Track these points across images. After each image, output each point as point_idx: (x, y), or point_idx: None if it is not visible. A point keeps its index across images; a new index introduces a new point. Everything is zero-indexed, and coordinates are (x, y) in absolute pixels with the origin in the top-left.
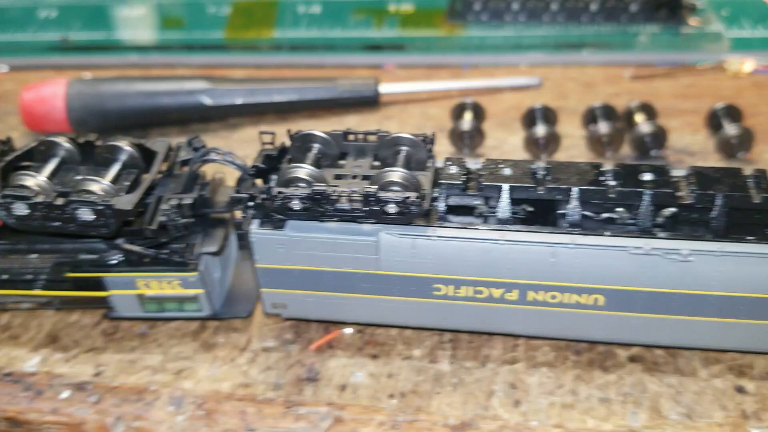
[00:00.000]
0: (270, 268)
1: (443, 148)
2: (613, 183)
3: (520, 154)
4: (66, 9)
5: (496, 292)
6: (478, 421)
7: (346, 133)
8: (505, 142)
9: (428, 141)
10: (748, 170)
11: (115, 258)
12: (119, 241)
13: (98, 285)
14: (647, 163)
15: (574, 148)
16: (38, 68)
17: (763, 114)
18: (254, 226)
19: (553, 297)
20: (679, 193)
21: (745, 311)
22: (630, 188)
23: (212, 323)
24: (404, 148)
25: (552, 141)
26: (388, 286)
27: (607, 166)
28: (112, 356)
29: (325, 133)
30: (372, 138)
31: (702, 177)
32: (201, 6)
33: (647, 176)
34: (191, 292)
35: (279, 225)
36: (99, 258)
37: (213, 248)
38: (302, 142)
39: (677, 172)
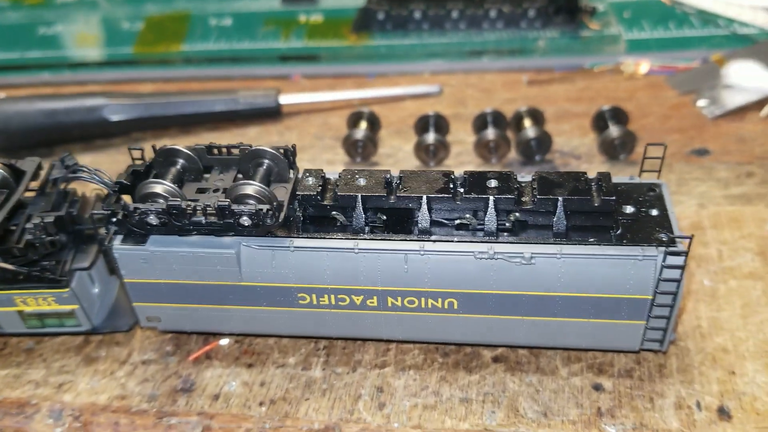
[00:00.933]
0: (138, 283)
1: (339, 157)
2: (461, 190)
3: (413, 161)
4: None
5: (357, 299)
6: (341, 424)
7: (209, 147)
8: (401, 150)
9: (289, 153)
10: (591, 174)
11: None
12: None
13: None
14: (494, 170)
15: (464, 154)
16: None
17: (653, 114)
18: (117, 242)
19: (411, 302)
20: (522, 198)
21: (593, 311)
22: (476, 195)
23: (96, 337)
24: (265, 161)
25: (440, 148)
26: (255, 297)
27: (458, 173)
28: None
29: (189, 148)
30: (235, 151)
31: (544, 182)
32: (116, 22)
33: (493, 183)
34: (67, 307)
35: (141, 240)
36: None
37: (84, 264)
38: (165, 157)
39: (523, 178)
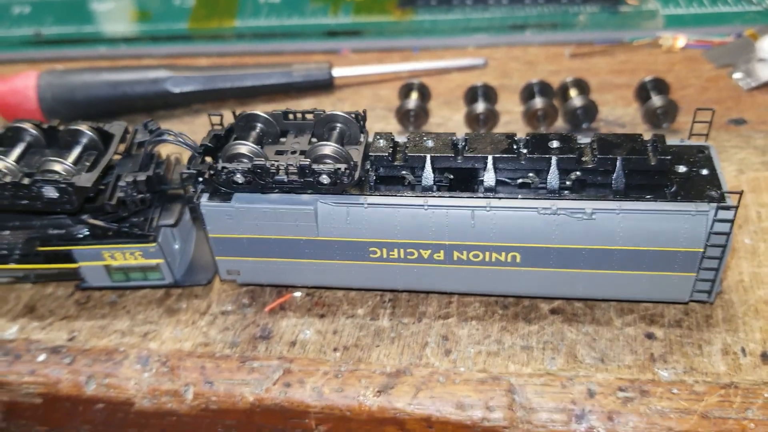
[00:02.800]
0: (221, 238)
1: (392, 127)
2: (524, 151)
3: (463, 130)
4: (39, 4)
5: (425, 253)
6: (411, 368)
7: (285, 113)
8: (450, 120)
9: (360, 118)
10: (647, 136)
11: (82, 232)
12: (84, 217)
13: (68, 257)
14: (555, 133)
15: (513, 123)
16: (13, 62)
17: (692, 86)
18: (204, 200)
19: (476, 256)
20: (583, 158)
21: (648, 264)
22: (538, 155)
23: (176, 291)
24: (338, 125)
25: (490, 117)
26: (329, 251)
27: (521, 135)
28: (85, 323)
29: (267, 113)
30: (309, 117)
31: (604, 143)
32: None
33: (554, 144)
34: (152, 261)
35: (226, 198)
36: (66, 232)
37: (170, 221)
38: (246, 122)
39: (583, 140)
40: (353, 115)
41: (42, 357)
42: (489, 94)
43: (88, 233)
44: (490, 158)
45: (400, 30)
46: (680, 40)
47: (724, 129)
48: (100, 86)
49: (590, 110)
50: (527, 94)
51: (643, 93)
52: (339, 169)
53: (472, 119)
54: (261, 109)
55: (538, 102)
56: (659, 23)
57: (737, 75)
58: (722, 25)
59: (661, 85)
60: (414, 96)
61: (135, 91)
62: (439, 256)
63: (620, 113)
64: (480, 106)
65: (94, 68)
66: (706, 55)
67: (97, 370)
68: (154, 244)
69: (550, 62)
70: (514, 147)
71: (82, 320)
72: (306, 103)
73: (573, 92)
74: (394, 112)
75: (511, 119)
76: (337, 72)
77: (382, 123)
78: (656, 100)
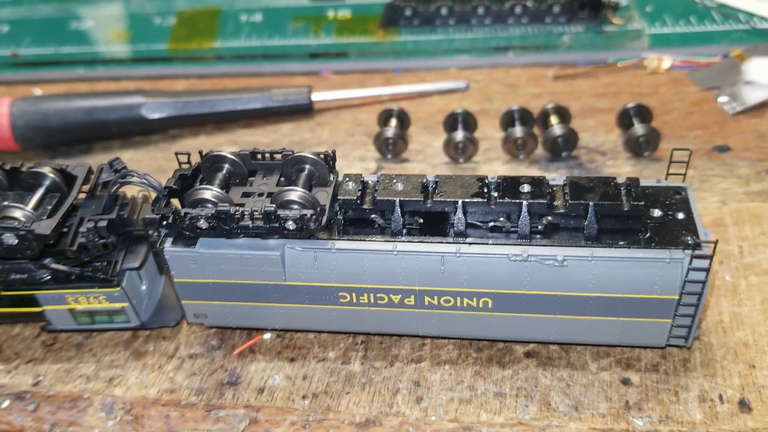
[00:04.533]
0: (187, 282)
1: (371, 154)
2: (495, 194)
3: (442, 157)
4: (17, 24)
5: (395, 298)
6: (381, 417)
7: (253, 153)
8: (430, 146)
9: (329, 159)
10: (620, 179)
11: (45, 276)
12: (47, 261)
13: (32, 301)
14: (527, 176)
15: (492, 150)
16: None
17: (676, 110)
18: (167, 244)
19: (447, 301)
20: (554, 203)
21: (623, 310)
22: (509, 200)
23: (144, 332)
24: (307, 166)
25: (469, 145)
26: (297, 295)
27: (491, 178)
28: (51, 366)
29: (234, 153)
30: (278, 157)
31: (576, 187)
32: (147, 18)
33: (526, 188)
34: (117, 305)
35: (191, 242)
36: (29, 277)
37: (135, 264)
38: (212, 162)
39: (555, 182)
40: (322, 156)
41: (6, 403)
42: (468, 121)
43: (50, 277)
44: (459, 202)
45: (383, 51)
46: (666, 61)
47: (707, 156)
48: (74, 113)
49: (570, 139)
50: (507, 120)
51: (625, 120)
52: (305, 215)
53: (450, 147)
54: (240, 134)
55: (518, 131)
56: (645, 43)
57: (722, 99)
58: (709, 45)
59: (643, 112)
60: (393, 123)
61: (110, 118)
62: (410, 301)
63: (602, 140)
64: (459, 135)
65: (68, 94)
66: (692, 76)
67: (61, 417)
68: (117, 289)
69: (532, 84)
70: (485, 191)
71: (48, 363)
72: (285, 128)
73: (554, 119)
74: (373, 139)
75: (492, 146)
76: (317, 96)
77: (362, 149)
78: (638, 129)
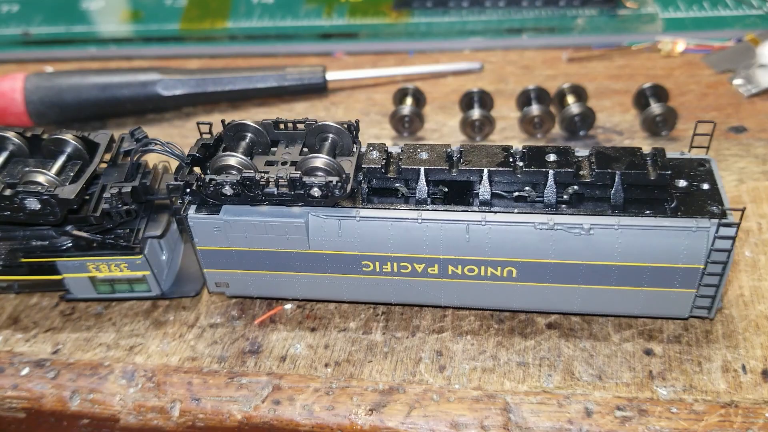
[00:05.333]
0: (210, 250)
1: (386, 132)
2: (520, 164)
3: (459, 136)
4: (27, 3)
5: (419, 267)
6: (405, 385)
7: (276, 122)
8: (445, 125)
9: (353, 128)
10: (646, 149)
11: (66, 243)
12: (68, 228)
13: (52, 269)
14: (552, 145)
15: (509, 129)
16: (0, 62)
17: (690, 92)
18: (191, 212)
19: (471, 270)
20: (581, 172)
21: (647, 280)
22: (535, 168)
23: (163, 302)
24: (330, 135)
25: (486, 123)
26: (320, 264)
27: (517, 147)
28: (70, 335)
29: (257, 123)
30: (300, 126)
31: (602, 156)
32: None
33: (552, 157)
34: (138, 273)
35: (214, 210)
36: (50, 244)
37: (156, 232)
38: (235, 131)
39: (581, 153)
40: (345, 126)
41: (26, 371)
42: (485, 100)
43: (72, 245)
44: (485, 171)
45: (396, 32)
46: (679, 44)
47: (723, 137)
48: (88, 89)
49: (587, 118)
50: (524, 100)
51: (641, 100)
52: (330, 182)
53: (467, 125)
54: (254, 113)
55: (535, 109)
56: (658, 27)
57: (737, 81)
58: (722, 29)
59: (660, 92)
60: (408, 101)
61: (124, 94)
62: (434, 270)
63: (618, 120)
64: (476, 113)
65: (83, 70)
66: (706, 60)
67: (82, 385)
68: (139, 256)
69: (547, 66)
70: (510, 160)
71: (66, 332)
72: (299, 107)
73: (570, 99)
74: (389, 118)
75: (507, 125)
76: (331, 76)
77: (377, 128)
78: (655, 108)
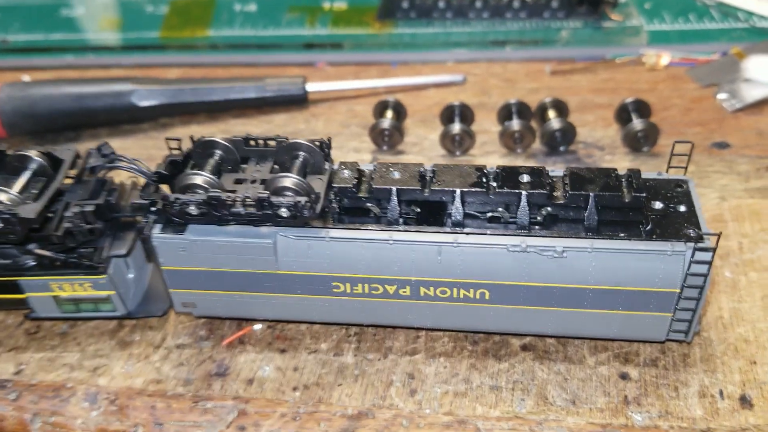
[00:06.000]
0: (175, 270)
1: (366, 145)
2: (494, 184)
3: (439, 150)
4: (6, 10)
5: (390, 289)
6: (374, 410)
7: (246, 139)
8: (426, 139)
9: (325, 146)
10: (622, 171)
11: (29, 262)
12: (31, 246)
13: (15, 288)
14: (526, 165)
15: (489, 143)
16: None
17: (675, 107)
18: (156, 231)
19: (443, 292)
20: (554, 193)
21: (622, 303)
22: (509, 189)
23: (130, 322)
24: (301, 153)
25: (466, 138)
26: (290, 285)
27: (490, 168)
28: (33, 355)
29: (226, 139)
30: (271, 144)
31: (576, 178)
32: (139, 5)
33: (525, 178)
34: (103, 293)
35: (180, 229)
36: (13, 262)
37: (122, 251)
38: (204, 148)
39: (555, 173)
40: (318, 144)
41: None
42: (465, 114)
43: (35, 263)
44: (458, 192)
45: (379, 43)
46: (664, 57)
47: (706, 153)
48: (62, 99)
49: (568, 133)
50: (505, 114)
51: (623, 115)
52: (299, 202)
53: (447, 140)
54: (232, 124)
55: (515, 124)
56: (643, 40)
57: (722, 96)
58: (708, 43)
59: (642, 108)
60: (389, 114)
61: (99, 105)
62: (405, 292)
63: (599, 135)
64: (456, 127)
65: (57, 80)
66: (691, 73)
67: (44, 407)
68: (103, 276)
69: (530, 79)
70: (484, 180)
71: (30, 352)
72: (279, 119)
73: (551, 113)
74: (368, 131)
75: (488, 139)
76: (312, 87)
77: (357, 141)
78: (637, 124)
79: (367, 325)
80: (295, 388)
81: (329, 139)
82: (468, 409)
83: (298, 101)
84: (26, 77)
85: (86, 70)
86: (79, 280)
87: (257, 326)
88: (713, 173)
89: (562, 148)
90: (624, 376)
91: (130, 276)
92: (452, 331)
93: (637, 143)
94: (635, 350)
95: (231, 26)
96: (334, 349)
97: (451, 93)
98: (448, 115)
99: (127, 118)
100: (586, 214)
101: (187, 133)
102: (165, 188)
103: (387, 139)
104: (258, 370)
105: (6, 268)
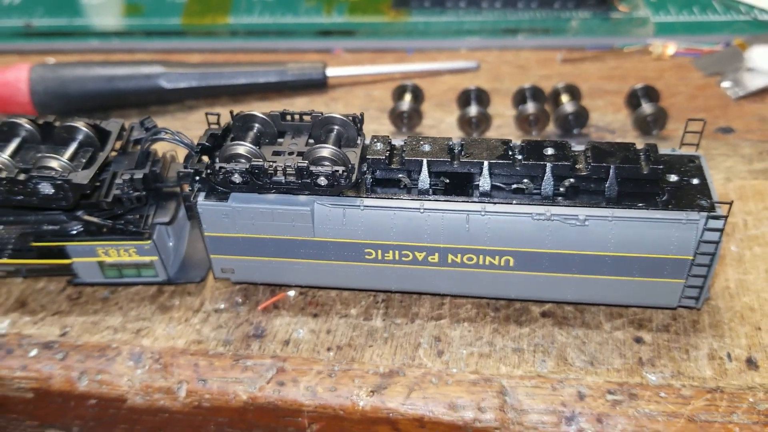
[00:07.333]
0: (217, 236)
1: (384, 128)
2: (519, 157)
3: (456, 132)
4: None
5: (420, 256)
6: (404, 369)
7: (283, 114)
8: (442, 122)
9: (357, 121)
10: (640, 145)
11: (76, 228)
12: (79, 213)
13: (61, 253)
14: (550, 140)
15: (505, 127)
16: (2, 53)
17: (680, 94)
18: (200, 199)
19: (470, 259)
20: (577, 166)
21: (639, 270)
22: (534, 161)
23: (168, 288)
24: (335, 127)
25: (483, 120)
26: (324, 252)
27: (516, 142)
28: (77, 318)
29: (265, 114)
30: (307, 118)
31: (598, 151)
32: None
33: (549, 151)
34: (147, 259)
35: (223, 197)
36: (61, 228)
37: (165, 219)
38: (243, 122)
39: (577, 147)
40: (351, 118)
41: (34, 352)
42: (482, 97)
43: (82, 229)
44: (485, 163)
45: (394, 31)
46: (670, 47)
47: (712, 137)
48: (93, 80)
49: (581, 116)
50: (519, 98)
51: (633, 100)
52: (337, 171)
53: (464, 122)
54: (255, 107)
55: (530, 107)
56: (650, 30)
57: (726, 84)
58: (712, 34)
59: (651, 93)
60: (407, 98)
61: (128, 86)
62: (434, 259)
63: (610, 119)
64: (473, 110)
65: (88, 62)
66: (696, 63)
67: (90, 366)
68: (149, 242)
69: (541, 67)
70: (510, 153)
71: (74, 316)
72: (299, 102)
73: (564, 98)
74: (388, 114)
75: (503, 123)
76: (331, 72)
77: (375, 124)
78: (646, 108)
79: (395, 292)
80: (328, 349)
81: (362, 114)
82: (492, 368)
83: (318, 85)
84: (51, 60)
85: (109, 54)
86: (125, 245)
87: (290, 293)
88: (718, 156)
89: (575, 131)
90: (638, 340)
91: (171, 244)
92: (476, 297)
93: (646, 126)
94: (648, 317)
95: (250, 14)
96: (363, 314)
97: (466, 79)
98: (464, 98)
99: (155, 99)
100: (607, 185)
101: (218, 113)
102: (206, 159)
103: (406, 121)
104: (293, 332)
105: (54, 234)
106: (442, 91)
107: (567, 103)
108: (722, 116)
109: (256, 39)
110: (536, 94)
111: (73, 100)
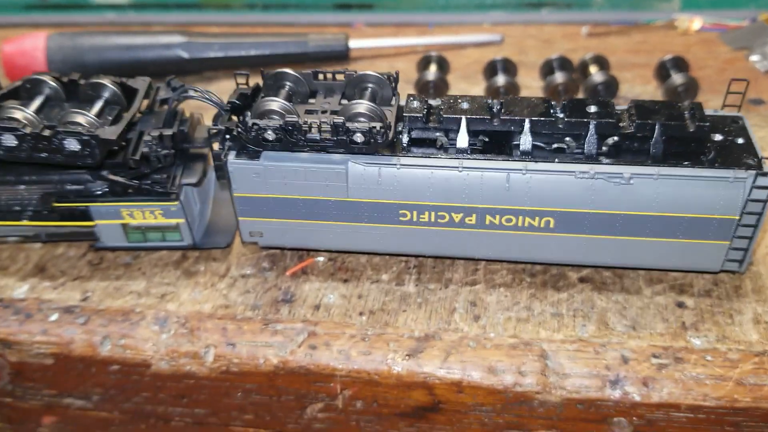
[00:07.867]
0: (247, 197)
1: None
2: (561, 115)
3: None
4: None
5: (457, 217)
6: (441, 333)
7: (315, 72)
8: (468, 93)
9: (393, 79)
10: (684, 103)
11: (101, 188)
12: (104, 172)
13: (84, 215)
14: (593, 99)
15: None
16: (17, 26)
17: (708, 67)
18: (231, 157)
19: (509, 220)
20: (621, 123)
21: (683, 231)
22: (577, 119)
23: (193, 253)
24: (370, 85)
25: (511, 90)
26: (357, 213)
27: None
28: (98, 283)
29: (296, 72)
30: (340, 77)
31: (642, 109)
32: None
33: (592, 108)
34: (173, 221)
35: (254, 155)
36: (85, 188)
37: (193, 180)
38: (274, 80)
39: (620, 106)
40: (386, 76)
41: (54, 316)
42: (509, 67)
43: (107, 190)
44: (527, 121)
45: (415, 4)
46: (696, 22)
47: (744, 108)
48: (111, 49)
49: (611, 86)
50: (547, 69)
51: (662, 71)
52: (374, 127)
53: (492, 92)
54: None
55: (559, 77)
56: (675, 5)
57: (754, 57)
58: (737, 9)
59: (680, 63)
60: (433, 68)
61: (146, 56)
62: (471, 221)
63: (639, 90)
64: (501, 79)
65: (106, 31)
66: (723, 37)
67: (113, 330)
68: (176, 203)
69: (566, 41)
70: (551, 111)
71: (95, 281)
72: None
73: (593, 68)
74: (413, 84)
75: (531, 94)
76: (354, 44)
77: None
78: (677, 78)
79: (428, 256)
80: (361, 313)
81: (397, 73)
82: (532, 333)
83: (340, 57)
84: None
85: (126, 27)
86: (151, 207)
87: (319, 258)
88: (751, 126)
89: None
90: (680, 305)
91: (197, 208)
92: (512, 262)
93: (677, 97)
94: (689, 282)
95: None
96: (395, 279)
97: (490, 52)
98: (491, 69)
99: (174, 70)
100: (652, 143)
101: (232, 86)
102: (235, 119)
103: (432, 91)
104: (323, 297)
105: (78, 194)
106: (466, 63)
107: (596, 74)
108: (752, 88)
109: (274, 12)
110: (564, 64)
111: (91, 69)
